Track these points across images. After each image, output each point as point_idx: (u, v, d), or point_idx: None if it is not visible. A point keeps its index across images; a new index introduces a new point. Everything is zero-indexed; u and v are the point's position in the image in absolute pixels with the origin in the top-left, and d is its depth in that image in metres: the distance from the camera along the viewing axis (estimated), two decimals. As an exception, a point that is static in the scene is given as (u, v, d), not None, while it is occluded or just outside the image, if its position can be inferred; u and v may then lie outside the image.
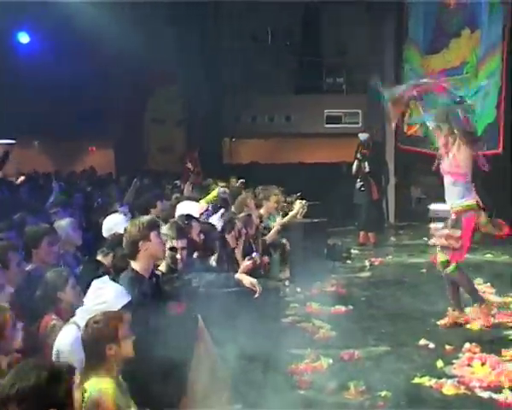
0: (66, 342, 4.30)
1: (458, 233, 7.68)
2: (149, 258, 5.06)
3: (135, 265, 5.06)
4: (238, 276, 5.83)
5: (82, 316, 4.31)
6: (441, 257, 7.93)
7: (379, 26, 16.49)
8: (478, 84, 13.38)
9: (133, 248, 5.05)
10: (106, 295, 4.35)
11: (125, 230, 5.24)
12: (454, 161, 7.61)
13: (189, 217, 6.72)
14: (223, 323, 5.36)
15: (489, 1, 12.88)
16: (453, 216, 7.77)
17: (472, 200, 7.67)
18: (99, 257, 6.23)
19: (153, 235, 5.02)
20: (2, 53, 14.88)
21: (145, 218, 5.30)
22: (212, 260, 6.80)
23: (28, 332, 4.50)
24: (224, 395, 5.04)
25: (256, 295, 5.53)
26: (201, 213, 7.60)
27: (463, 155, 7.55)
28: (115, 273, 5.48)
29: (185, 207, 7.41)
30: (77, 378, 3.43)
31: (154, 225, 5.13)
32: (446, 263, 7.84)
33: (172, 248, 5.78)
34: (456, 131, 7.53)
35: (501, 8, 12.51)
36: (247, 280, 5.60)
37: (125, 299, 4.41)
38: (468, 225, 7.66)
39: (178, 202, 8.55)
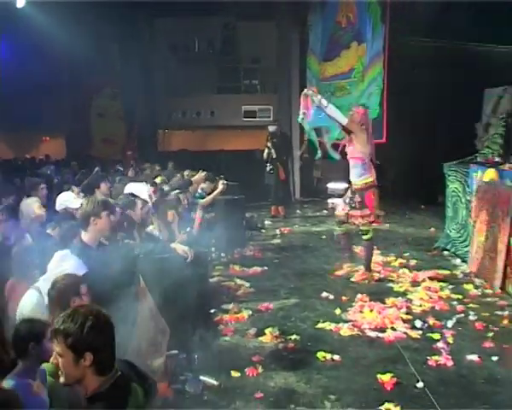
0: (27, 305, 4.16)
1: (367, 211, 7.93)
2: (97, 232, 4.92)
3: (84, 236, 4.94)
4: (173, 245, 5.78)
5: (44, 284, 4.17)
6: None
7: (286, 39, 16.50)
8: (364, 87, 13.61)
9: (85, 222, 4.93)
10: (65, 266, 4.25)
11: (81, 205, 5.13)
12: (353, 147, 7.84)
13: (132, 195, 6.58)
14: (162, 283, 5.32)
15: (372, 21, 13.11)
16: (357, 198, 7.95)
17: (369, 177, 7.90)
18: (48, 230, 6.08)
19: (104, 214, 4.90)
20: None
21: (100, 198, 5.18)
22: (155, 231, 6.70)
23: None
24: (164, 343, 4.99)
25: (188, 260, 5.49)
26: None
27: (359, 143, 7.80)
28: (62, 244, 5.34)
29: (135, 188, 7.25)
30: None
31: (106, 206, 5.00)
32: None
33: None
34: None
35: (382, 27, 12.74)
36: (180, 248, 5.56)
37: (83, 270, 4.29)
38: (370, 200, 7.87)
39: (121, 184, 8.38)
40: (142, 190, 7.21)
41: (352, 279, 8.14)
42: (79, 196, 7.69)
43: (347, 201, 8.10)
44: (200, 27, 18.30)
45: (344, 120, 7.75)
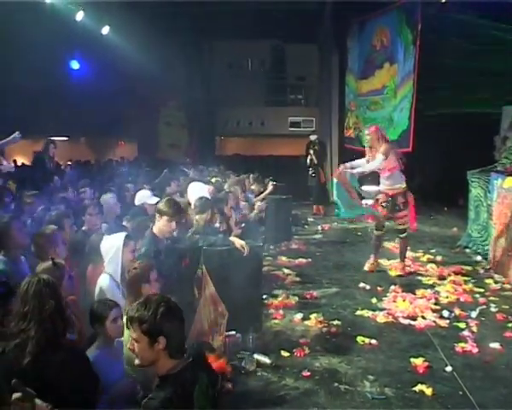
0: (101, 287, 4.24)
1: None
2: (159, 228, 5.01)
3: (155, 228, 5.00)
4: (232, 239, 5.74)
5: (109, 267, 4.30)
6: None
7: (328, 59, 16.30)
8: (396, 102, 13.38)
9: (156, 217, 5.03)
10: (110, 245, 4.34)
11: (158, 203, 5.22)
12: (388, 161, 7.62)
13: (206, 198, 6.57)
14: (222, 272, 5.30)
15: (404, 44, 12.89)
16: (401, 199, 7.75)
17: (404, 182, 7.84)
18: (124, 222, 6.14)
19: (165, 218, 4.97)
20: (59, 77, 14.74)
21: (176, 204, 5.15)
22: (217, 224, 6.68)
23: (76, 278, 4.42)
24: (223, 324, 4.96)
25: (244, 254, 5.44)
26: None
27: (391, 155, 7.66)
28: (134, 234, 5.38)
29: (199, 188, 7.24)
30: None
31: (171, 213, 5.00)
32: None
33: None
34: None
35: (413, 49, 12.50)
36: (238, 243, 5.52)
37: (123, 235, 4.38)
38: (411, 202, 7.86)
39: (187, 183, 8.37)
40: (203, 189, 7.21)
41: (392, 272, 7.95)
42: (152, 193, 7.77)
43: (384, 205, 7.83)
44: (253, 49, 18.29)
45: (380, 161, 7.54)
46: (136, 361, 2.60)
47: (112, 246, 4.34)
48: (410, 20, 12.58)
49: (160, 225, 5.00)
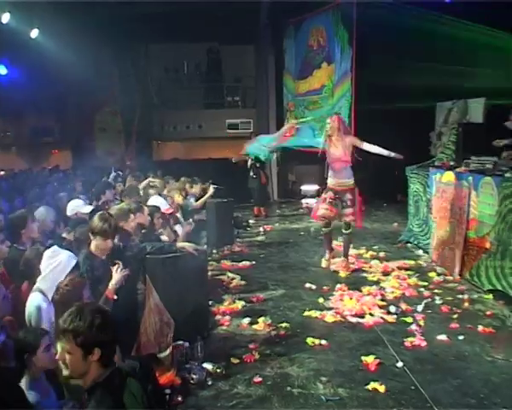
0: (33, 306, 3.86)
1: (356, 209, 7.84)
2: (97, 248, 4.55)
3: (92, 246, 4.56)
4: (182, 244, 5.58)
5: (44, 283, 3.91)
6: None
7: (264, 60, 16.35)
8: (334, 101, 13.53)
9: (90, 236, 4.61)
10: (60, 259, 3.96)
11: (92, 219, 4.74)
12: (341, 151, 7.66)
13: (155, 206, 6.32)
14: (165, 279, 5.14)
15: (340, 45, 13.04)
16: (349, 196, 7.70)
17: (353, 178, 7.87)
18: (64, 234, 5.81)
19: (96, 237, 4.53)
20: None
21: (111, 221, 4.69)
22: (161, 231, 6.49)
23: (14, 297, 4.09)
24: (170, 335, 4.78)
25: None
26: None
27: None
28: (76, 246, 5.07)
29: (157, 202, 7.00)
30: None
31: (112, 232, 4.57)
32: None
33: None
34: None
35: (350, 50, 12.68)
36: (190, 247, 5.37)
37: (74, 260, 4.04)
38: (358, 198, 7.85)
39: (136, 191, 8.00)
40: (163, 204, 7.01)
41: (334, 268, 7.94)
42: (86, 202, 7.44)
43: (334, 203, 7.76)
44: (188, 52, 18.07)
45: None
46: (65, 372, 2.43)
47: (59, 263, 3.95)
48: (345, 21, 12.77)
49: (96, 244, 4.60)
